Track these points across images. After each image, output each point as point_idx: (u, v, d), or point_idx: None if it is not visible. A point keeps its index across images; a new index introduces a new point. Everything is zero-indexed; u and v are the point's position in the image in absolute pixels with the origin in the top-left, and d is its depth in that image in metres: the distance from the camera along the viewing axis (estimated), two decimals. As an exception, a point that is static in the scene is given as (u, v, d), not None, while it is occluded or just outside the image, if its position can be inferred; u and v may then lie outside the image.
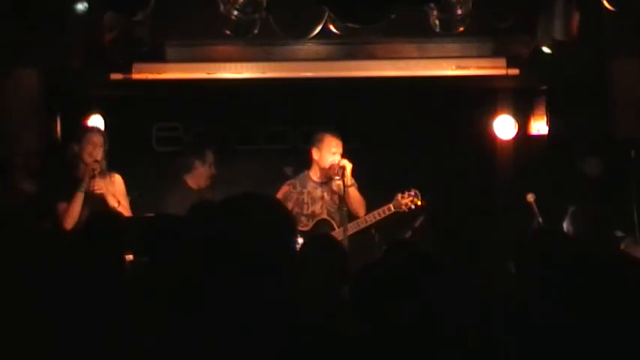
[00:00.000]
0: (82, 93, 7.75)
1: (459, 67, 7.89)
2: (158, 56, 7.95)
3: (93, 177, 6.30)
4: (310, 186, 6.88)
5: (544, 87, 8.12)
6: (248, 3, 6.45)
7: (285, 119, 8.33)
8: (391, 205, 6.75)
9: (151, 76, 7.87)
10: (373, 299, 3.01)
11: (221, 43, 7.82)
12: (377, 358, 2.61)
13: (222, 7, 6.46)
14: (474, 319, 3.19)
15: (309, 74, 7.93)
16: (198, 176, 7.06)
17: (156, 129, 8.43)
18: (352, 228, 6.63)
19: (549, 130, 8.09)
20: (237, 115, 8.25)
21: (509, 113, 7.99)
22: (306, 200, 6.85)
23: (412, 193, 6.76)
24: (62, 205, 6.27)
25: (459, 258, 4.15)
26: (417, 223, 6.98)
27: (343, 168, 6.62)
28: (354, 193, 6.70)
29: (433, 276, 3.32)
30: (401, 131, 8.08)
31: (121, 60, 7.68)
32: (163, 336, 2.21)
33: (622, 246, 5.13)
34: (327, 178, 6.83)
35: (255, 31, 6.59)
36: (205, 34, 7.60)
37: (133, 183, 6.75)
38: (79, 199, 6.24)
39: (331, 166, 6.72)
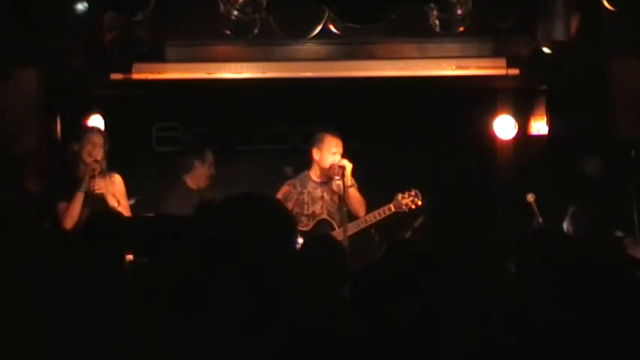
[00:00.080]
0: (82, 93, 7.75)
1: (459, 67, 7.89)
2: (158, 56, 7.95)
3: (93, 177, 6.30)
4: (310, 186, 6.88)
5: (544, 87, 8.12)
6: (248, 3, 6.45)
7: (285, 119, 8.33)
8: (391, 205, 6.75)
9: (151, 76, 7.87)
10: (373, 299, 3.01)
11: (221, 43, 7.82)
12: (377, 358, 2.61)
13: (222, 7, 6.46)
14: (474, 319, 3.19)
15: (309, 74, 7.93)
16: (198, 176, 7.05)
17: (156, 129, 8.43)
18: (352, 228, 6.63)
19: (549, 130, 8.09)
20: (237, 115, 8.25)
21: (509, 113, 8.00)
22: (306, 200, 6.85)
23: (412, 193, 6.76)
24: (62, 205, 6.27)
25: (459, 258, 4.15)
26: (417, 223, 6.98)
27: (343, 168, 6.62)
28: (354, 194, 6.70)
29: (433, 276, 3.32)
30: (401, 131, 8.08)
31: (121, 60, 7.68)
32: (163, 336, 2.21)
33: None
34: (327, 178, 6.83)
35: (255, 31, 6.59)
36: (205, 34, 7.60)
37: (133, 183, 6.76)
38: (79, 199, 6.24)
39: (331, 166, 6.71)
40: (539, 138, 8.16)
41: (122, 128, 7.58)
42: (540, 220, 6.54)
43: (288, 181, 6.98)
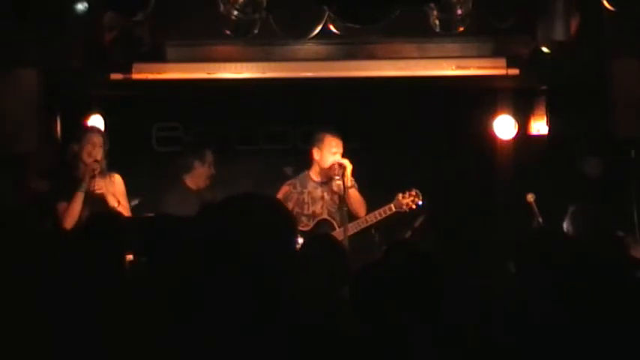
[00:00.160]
0: (82, 93, 7.75)
1: (459, 67, 7.89)
2: (158, 56, 7.95)
3: (93, 177, 6.30)
4: (311, 186, 6.88)
5: (544, 87, 8.12)
6: (248, 3, 6.45)
7: (285, 119, 8.33)
8: (392, 205, 6.75)
9: (151, 76, 7.87)
10: (373, 299, 3.01)
11: (221, 43, 7.82)
12: (377, 358, 2.61)
13: (222, 7, 6.46)
14: (474, 319, 3.19)
15: (309, 74, 7.93)
16: (198, 176, 7.05)
17: (156, 129, 8.43)
18: (353, 228, 6.64)
19: (549, 130, 8.09)
20: (237, 115, 8.26)
21: (509, 113, 8.00)
22: (306, 200, 6.85)
23: (413, 192, 6.76)
24: (62, 205, 6.27)
25: (459, 258, 4.16)
26: (417, 223, 6.98)
27: (344, 167, 6.62)
28: (354, 194, 6.71)
29: (433, 276, 3.32)
30: (401, 131, 8.08)
31: (121, 60, 7.68)
32: (163, 336, 2.21)
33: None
34: (327, 178, 6.83)
35: (255, 31, 6.59)
36: (205, 34, 7.60)
37: (133, 183, 6.76)
38: (79, 199, 6.24)
39: (331, 166, 6.72)
40: (539, 138, 8.16)
41: (122, 128, 7.58)
42: (540, 220, 6.54)
43: (289, 181, 6.98)
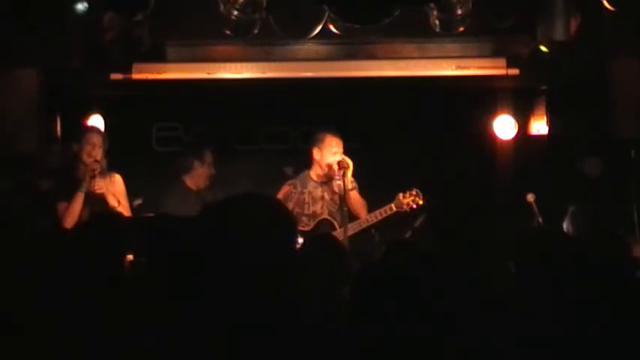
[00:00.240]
0: (82, 93, 7.75)
1: (459, 67, 7.89)
2: (158, 56, 7.95)
3: (93, 177, 6.30)
4: (311, 186, 6.88)
5: (544, 87, 8.12)
6: (248, 3, 6.45)
7: (285, 119, 8.33)
8: (393, 205, 6.74)
9: (151, 76, 7.87)
10: (373, 299, 3.01)
11: (221, 43, 7.82)
12: (377, 358, 2.61)
13: (222, 7, 6.46)
14: (473, 319, 3.19)
15: (309, 74, 7.93)
16: (197, 177, 7.04)
17: (156, 129, 8.43)
18: (354, 228, 6.63)
19: (549, 130, 8.10)
20: (237, 115, 8.26)
21: (509, 113, 8.00)
22: (307, 200, 6.85)
23: (414, 192, 6.76)
24: (62, 205, 6.27)
25: (459, 258, 4.15)
26: (417, 223, 6.98)
27: (346, 167, 6.60)
28: (355, 196, 6.71)
29: (433, 276, 3.32)
30: (401, 131, 8.08)
31: (121, 60, 7.68)
32: (162, 336, 2.21)
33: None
34: (327, 178, 6.83)
35: (255, 31, 6.59)
36: (205, 34, 7.60)
37: (133, 183, 6.76)
38: (79, 199, 6.24)
39: (332, 166, 6.72)
40: (539, 138, 8.16)
41: (122, 128, 7.58)
42: (540, 220, 6.54)
43: (289, 181, 6.98)
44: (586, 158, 7.59)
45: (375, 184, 7.11)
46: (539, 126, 8.18)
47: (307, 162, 6.95)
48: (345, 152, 6.77)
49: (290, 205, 6.61)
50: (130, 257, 4.53)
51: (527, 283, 3.42)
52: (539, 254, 3.43)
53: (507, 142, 8.02)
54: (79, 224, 6.04)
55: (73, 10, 6.35)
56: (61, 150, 7.15)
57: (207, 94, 8.04)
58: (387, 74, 7.91)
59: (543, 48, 7.01)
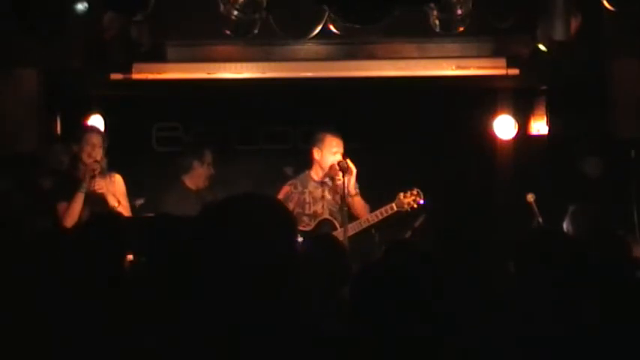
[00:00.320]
0: (82, 93, 7.75)
1: (459, 67, 7.90)
2: (158, 56, 7.95)
3: (93, 177, 6.30)
4: (311, 186, 6.87)
5: (544, 87, 8.13)
6: (248, 3, 6.45)
7: (285, 119, 8.33)
8: (393, 205, 6.74)
9: (151, 76, 7.88)
10: (373, 299, 3.01)
11: (221, 43, 7.82)
12: (377, 358, 2.61)
13: (222, 7, 6.46)
14: (473, 319, 3.19)
15: (309, 74, 7.93)
16: (197, 177, 7.04)
17: (156, 129, 8.43)
18: (354, 227, 6.64)
19: (549, 130, 8.10)
20: (237, 115, 8.26)
21: (509, 113, 8.00)
22: (307, 200, 6.85)
23: (414, 192, 6.76)
24: (62, 205, 6.27)
25: (459, 258, 4.15)
26: (417, 223, 6.98)
27: (350, 172, 6.59)
28: (359, 202, 6.72)
29: (433, 276, 3.32)
30: (401, 131, 8.09)
31: (120, 60, 7.69)
32: (162, 336, 2.21)
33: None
34: (328, 178, 6.83)
35: (255, 31, 6.59)
36: (205, 34, 7.61)
37: (133, 183, 6.76)
38: (79, 199, 6.23)
39: (332, 166, 6.72)
40: (539, 138, 8.17)
41: (122, 128, 7.58)
42: (540, 220, 6.54)
43: (289, 182, 6.98)
44: (586, 158, 7.59)
45: (375, 184, 7.11)
46: (539, 126, 8.19)
47: (307, 162, 6.94)
48: (345, 152, 6.77)
49: (291, 206, 6.61)
50: (130, 257, 4.53)
51: (527, 283, 3.42)
52: (539, 254, 3.43)
53: (507, 142, 8.02)
54: (79, 224, 6.04)
55: (73, 10, 6.35)
56: (61, 150, 7.14)
57: (207, 94, 8.04)
58: (387, 74, 7.91)
59: (543, 48, 7.01)
